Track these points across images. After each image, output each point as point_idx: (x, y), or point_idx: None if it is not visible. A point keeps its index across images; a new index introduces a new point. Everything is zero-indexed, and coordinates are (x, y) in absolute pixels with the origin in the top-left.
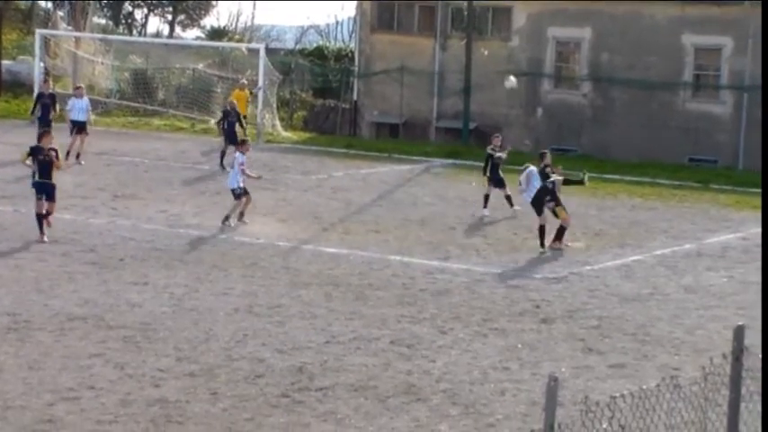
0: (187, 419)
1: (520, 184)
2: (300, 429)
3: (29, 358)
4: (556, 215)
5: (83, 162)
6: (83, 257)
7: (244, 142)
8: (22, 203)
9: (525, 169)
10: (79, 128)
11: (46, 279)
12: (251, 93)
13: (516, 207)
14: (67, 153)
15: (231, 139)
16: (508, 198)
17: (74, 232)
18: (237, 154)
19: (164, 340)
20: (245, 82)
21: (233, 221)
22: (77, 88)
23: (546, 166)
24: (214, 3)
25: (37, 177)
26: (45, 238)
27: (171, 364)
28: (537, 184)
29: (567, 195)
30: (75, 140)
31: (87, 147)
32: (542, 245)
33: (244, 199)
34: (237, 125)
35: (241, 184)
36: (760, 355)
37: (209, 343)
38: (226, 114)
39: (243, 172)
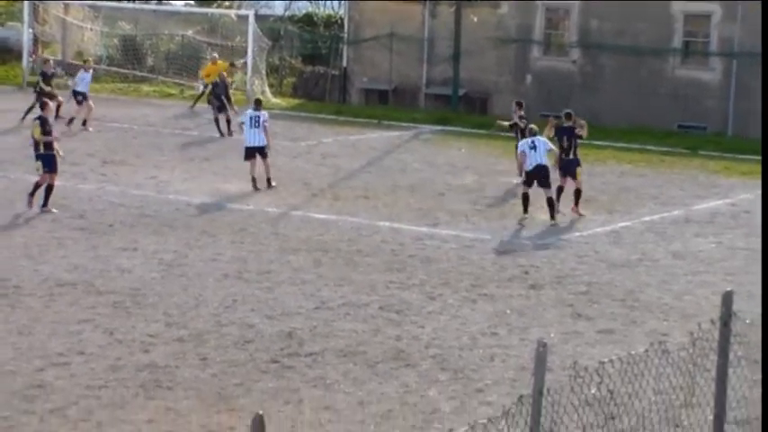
0: (176, 384)
1: (524, 154)
2: (290, 395)
3: (18, 324)
4: (574, 177)
5: (90, 129)
6: (72, 223)
7: (260, 102)
8: (11, 169)
9: (532, 136)
10: (84, 97)
11: (35, 245)
12: (232, 65)
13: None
14: (71, 120)
15: (221, 107)
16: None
17: (63, 198)
18: (263, 112)
19: (153, 306)
20: (216, 56)
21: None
22: (86, 61)
23: (572, 127)
24: None
25: (43, 150)
26: (35, 208)
27: (160, 330)
28: (540, 158)
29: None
30: (84, 108)
31: (77, 114)
32: (526, 210)
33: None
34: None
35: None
36: (748, 321)
37: (199, 308)
38: (214, 86)
39: (266, 129)
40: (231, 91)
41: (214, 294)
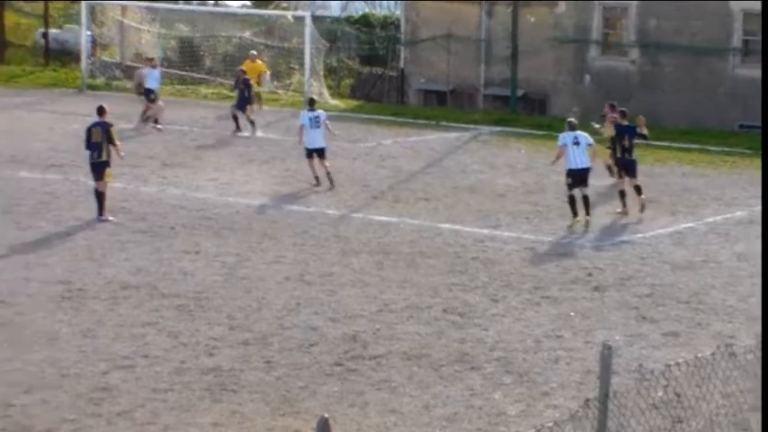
0: (241, 388)
1: (564, 147)
2: (354, 398)
3: (83, 327)
4: (635, 176)
5: (159, 127)
6: (134, 226)
7: (314, 101)
8: (72, 172)
9: (572, 130)
10: (155, 95)
11: (98, 247)
12: (263, 72)
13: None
14: (148, 119)
15: (239, 104)
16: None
17: (124, 201)
18: (320, 111)
19: (216, 309)
20: (255, 53)
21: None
22: (151, 59)
23: (633, 126)
24: None
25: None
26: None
27: (224, 333)
28: (583, 157)
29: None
30: (157, 106)
31: (135, 115)
32: (575, 214)
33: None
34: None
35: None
36: None
37: (262, 311)
38: (236, 82)
39: (327, 127)
40: (267, 91)
41: (277, 297)
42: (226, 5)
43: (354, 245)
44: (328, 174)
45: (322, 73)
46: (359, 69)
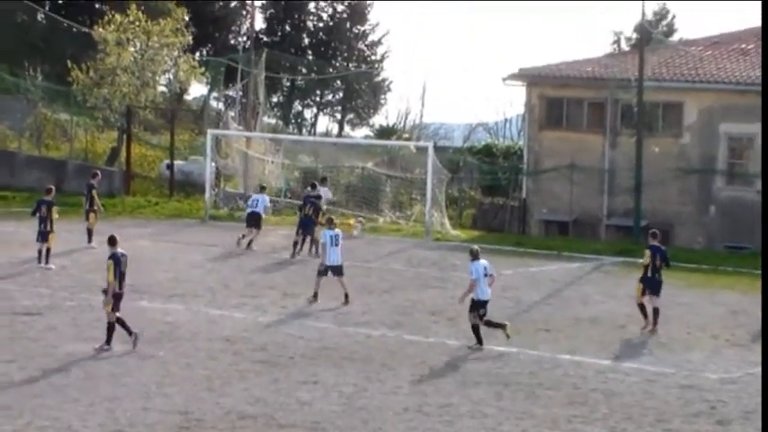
0: None
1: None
2: None
3: None
4: (658, 296)
5: (254, 248)
6: (253, 356)
7: (333, 220)
8: (193, 302)
9: (476, 259)
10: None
11: (217, 377)
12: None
13: None
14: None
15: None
16: None
17: (244, 330)
18: (338, 231)
19: None
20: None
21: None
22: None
23: (661, 247)
24: (383, 102)
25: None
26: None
27: None
28: (488, 289)
29: (744, 291)
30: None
31: (256, 244)
32: (480, 342)
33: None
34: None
35: None
36: None
37: None
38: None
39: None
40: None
41: (394, 428)
42: (349, 136)
43: (473, 376)
44: (346, 293)
45: (444, 203)
46: (480, 200)
